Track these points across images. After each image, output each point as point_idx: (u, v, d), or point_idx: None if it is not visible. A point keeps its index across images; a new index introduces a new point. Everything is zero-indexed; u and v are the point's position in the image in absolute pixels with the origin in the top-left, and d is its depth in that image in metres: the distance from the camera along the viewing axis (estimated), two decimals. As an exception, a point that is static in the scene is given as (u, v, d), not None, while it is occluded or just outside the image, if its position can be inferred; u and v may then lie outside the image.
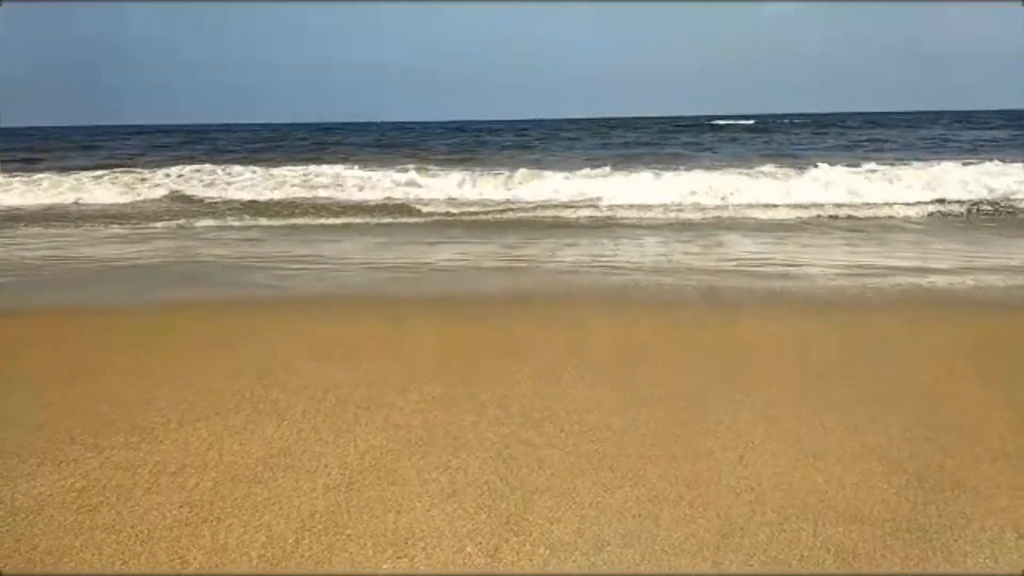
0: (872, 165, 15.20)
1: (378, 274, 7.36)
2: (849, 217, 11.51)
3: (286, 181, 15.69)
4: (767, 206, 12.39)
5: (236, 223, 11.74)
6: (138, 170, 17.63)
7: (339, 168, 17.08)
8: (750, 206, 12.38)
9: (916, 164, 15.37)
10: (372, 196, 14.40)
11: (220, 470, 2.98)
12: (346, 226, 11.36)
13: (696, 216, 11.84)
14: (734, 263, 7.70)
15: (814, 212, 11.86)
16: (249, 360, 4.34)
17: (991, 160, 15.04)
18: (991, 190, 12.97)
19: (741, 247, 8.78)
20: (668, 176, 14.70)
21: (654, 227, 10.75)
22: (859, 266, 7.42)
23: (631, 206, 12.65)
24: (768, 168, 15.49)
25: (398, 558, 2.40)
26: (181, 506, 2.70)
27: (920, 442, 3.18)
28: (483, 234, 10.14)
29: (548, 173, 15.53)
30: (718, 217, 11.74)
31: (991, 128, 34.82)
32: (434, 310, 5.86)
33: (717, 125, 44.67)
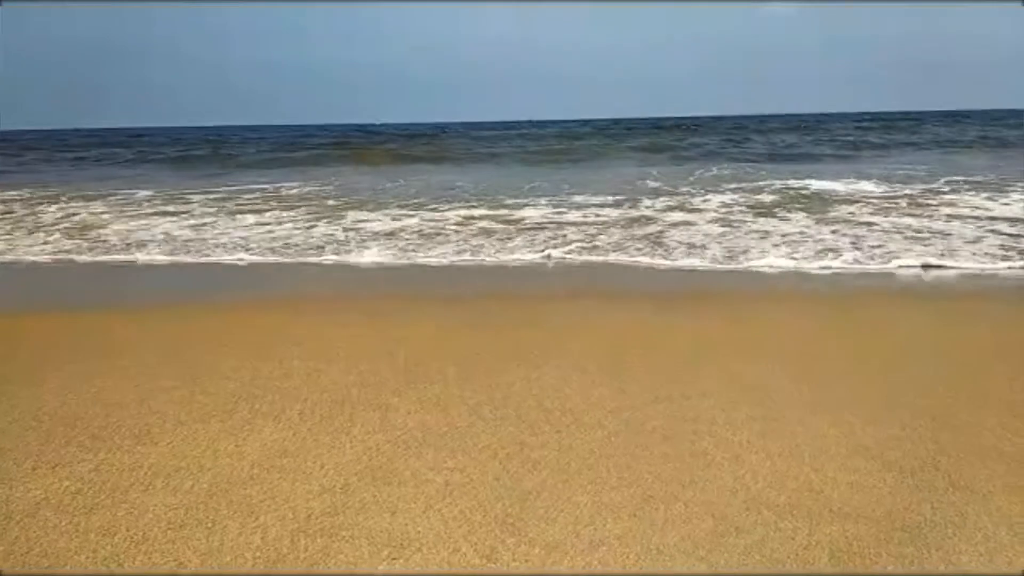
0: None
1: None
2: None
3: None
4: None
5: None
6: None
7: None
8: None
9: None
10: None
11: (216, 472, 2.98)
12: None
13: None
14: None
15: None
16: (245, 361, 4.34)
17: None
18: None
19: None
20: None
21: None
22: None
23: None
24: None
25: (394, 559, 2.40)
26: (177, 508, 2.70)
27: (915, 441, 3.19)
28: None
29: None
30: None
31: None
32: (432, 310, 5.86)
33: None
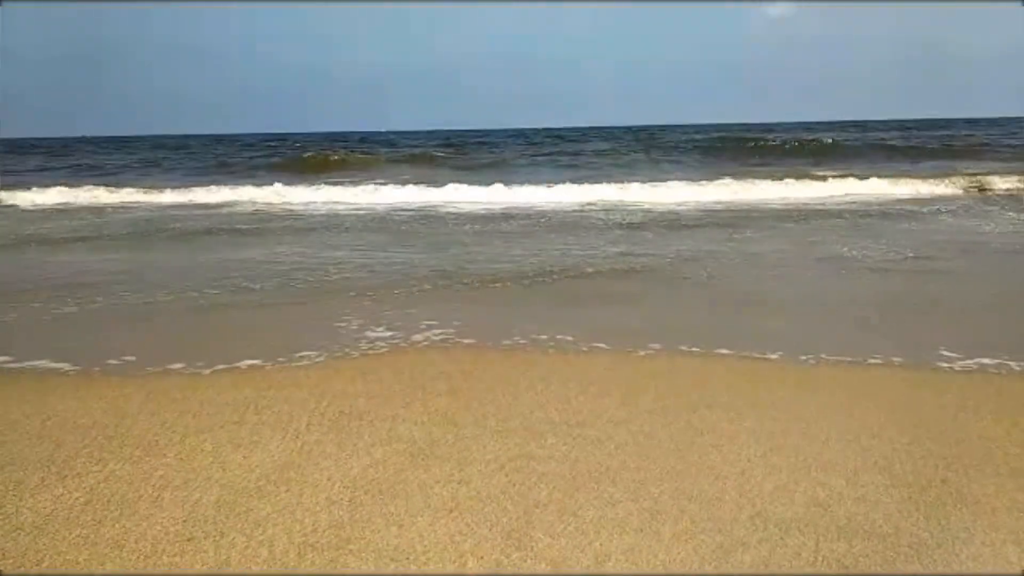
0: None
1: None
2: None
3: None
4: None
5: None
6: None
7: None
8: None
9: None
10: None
11: (224, 484, 2.99)
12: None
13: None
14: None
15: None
16: (252, 371, 4.36)
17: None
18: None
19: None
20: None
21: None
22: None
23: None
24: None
25: (400, 573, 2.40)
26: (185, 520, 2.71)
27: (922, 456, 3.18)
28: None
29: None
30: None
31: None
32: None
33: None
